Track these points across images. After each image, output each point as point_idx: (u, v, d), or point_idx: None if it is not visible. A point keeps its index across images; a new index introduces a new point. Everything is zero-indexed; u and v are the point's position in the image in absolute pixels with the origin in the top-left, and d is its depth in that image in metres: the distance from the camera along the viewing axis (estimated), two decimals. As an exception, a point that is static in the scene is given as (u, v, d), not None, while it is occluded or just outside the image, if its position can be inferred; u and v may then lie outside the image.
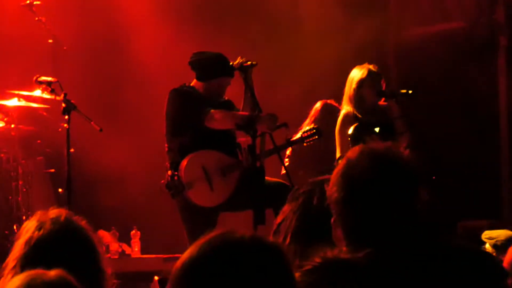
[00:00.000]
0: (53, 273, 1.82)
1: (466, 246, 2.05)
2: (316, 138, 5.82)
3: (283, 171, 6.49)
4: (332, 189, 2.04)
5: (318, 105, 6.62)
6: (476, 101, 7.64)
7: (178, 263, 1.60)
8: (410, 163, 2.04)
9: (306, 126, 6.12)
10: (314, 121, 6.44)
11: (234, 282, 1.53)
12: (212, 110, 5.43)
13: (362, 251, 1.93)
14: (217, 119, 5.42)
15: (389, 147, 2.06)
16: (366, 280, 1.86)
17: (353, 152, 2.05)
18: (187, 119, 5.48)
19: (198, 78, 5.61)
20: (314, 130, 5.81)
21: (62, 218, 2.28)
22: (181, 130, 5.51)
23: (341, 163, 2.05)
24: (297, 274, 1.79)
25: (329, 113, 6.39)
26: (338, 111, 6.08)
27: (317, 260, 1.87)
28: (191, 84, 5.65)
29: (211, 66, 5.55)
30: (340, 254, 1.92)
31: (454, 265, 1.98)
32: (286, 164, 6.52)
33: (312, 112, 6.58)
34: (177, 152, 5.51)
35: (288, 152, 6.61)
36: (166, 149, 5.60)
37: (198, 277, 1.55)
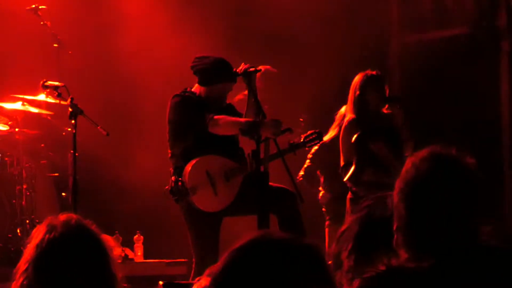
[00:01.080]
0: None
1: None
2: (317, 142, 5.85)
3: (300, 177, 6.61)
4: (395, 195, 2.02)
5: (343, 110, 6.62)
6: (478, 106, 7.64)
7: (220, 264, 1.66)
8: (474, 169, 2.01)
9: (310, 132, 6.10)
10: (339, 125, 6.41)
11: (275, 282, 1.60)
12: (215, 116, 5.43)
13: (424, 259, 1.91)
14: (221, 125, 5.43)
15: (453, 153, 2.03)
16: None
17: (417, 157, 2.02)
18: (190, 125, 5.48)
19: (200, 83, 5.60)
20: (316, 135, 5.83)
21: (73, 221, 2.28)
22: (184, 135, 5.52)
23: (405, 168, 2.02)
24: (357, 281, 1.82)
25: None
26: None
27: (381, 267, 1.88)
28: (193, 89, 5.65)
29: (213, 71, 5.54)
30: (405, 263, 1.91)
31: None
32: (307, 165, 6.62)
33: (337, 116, 6.52)
34: (180, 157, 5.52)
35: (310, 154, 6.63)
36: (169, 154, 5.60)
37: (243, 278, 1.62)
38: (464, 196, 1.97)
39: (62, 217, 2.31)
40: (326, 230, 6.54)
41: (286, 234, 1.66)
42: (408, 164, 2.04)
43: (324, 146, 6.26)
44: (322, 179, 6.66)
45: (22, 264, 2.23)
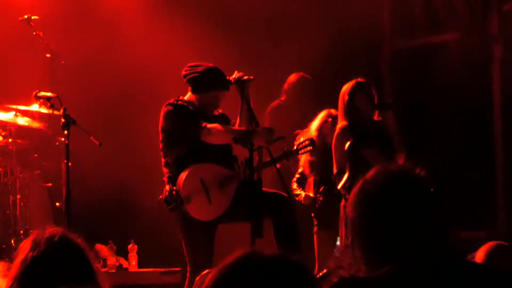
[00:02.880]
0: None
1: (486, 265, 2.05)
2: (311, 149, 5.94)
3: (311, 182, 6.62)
4: (349, 208, 2.07)
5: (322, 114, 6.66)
6: (471, 112, 7.64)
7: (209, 282, 1.69)
8: (426, 180, 2.04)
9: (301, 138, 6.19)
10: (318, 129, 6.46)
11: None
12: (208, 125, 5.44)
13: (377, 268, 1.94)
14: (213, 134, 5.44)
15: (404, 166, 2.09)
16: None
17: (370, 171, 2.07)
18: (183, 133, 5.49)
19: (193, 91, 5.62)
20: (309, 141, 5.91)
21: (57, 237, 2.32)
22: (177, 144, 5.52)
23: (359, 182, 2.07)
24: None
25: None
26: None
27: (334, 279, 1.96)
28: (186, 97, 5.65)
29: (206, 80, 5.54)
30: (358, 274, 1.95)
31: (478, 283, 1.98)
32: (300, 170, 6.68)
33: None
34: (174, 166, 5.51)
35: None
36: (163, 163, 5.60)
37: None
38: (416, 203, 2.01)
39: (48, 231, 2.36)
40: (315, 236, 6.53)
41: (274, 253, 1.67)
42: (362, 178, 2.09)
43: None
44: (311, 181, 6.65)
45: (9, 280, 2.28)
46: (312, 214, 6.60)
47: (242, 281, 1.62)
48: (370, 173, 2.06)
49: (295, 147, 5.94)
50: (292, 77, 7.34)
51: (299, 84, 7.25)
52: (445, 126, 7.70)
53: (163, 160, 5.61)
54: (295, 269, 1.65)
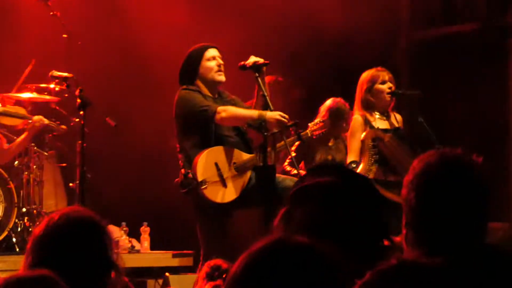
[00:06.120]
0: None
1: None
2: (324, 131, 5.91)
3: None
4: (406, 192, 2.02)
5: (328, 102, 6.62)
6: (486, 104, 7.59)
7: (234, 268, 1.65)
8: (480, 170, 2.04)
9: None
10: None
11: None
12: (220, 108, 5.45)
13: (435, 255, 1.92)
14: (228, 117, 5.46)
15: (465, 154, 2.06)
16: (444, 285, 1.87)
17: (430, 156, 2.04)
18: (198, 118, 5.48)
19: (191, 82, 5.63)
20: (322, 123, 5.90)
21: (74, 213, 2.33)
22: (192, 129, 5.52)
23: (417, 166, 2.03)
24: (368, 275, 1.82)
25: (336, 116, 6.52)
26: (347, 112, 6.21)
27: (393, 261, 1.87)
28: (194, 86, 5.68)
29: (189, 62, 5.59)
30: (418, 258, 1.92)
31: None
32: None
33: (322, 108, 6.59)
34: (189, 150, 5.51)
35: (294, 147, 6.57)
36: (178, 148, 5.60)
37: (254, 282, 1.61)
38: (473, 194, 2.00)
39: (62, 210, 2.38)
40: None
41: (302, 240, 1.64)
42: (417, 161, 2.06)
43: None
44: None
45: (28, 247, 2.31)
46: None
47: (269, 271, 1.58)
48: (431, 158, 2.03)
49: (308, 128, 5.88)
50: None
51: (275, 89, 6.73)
52: (460, 117, 7.66)
53: (177, 145, 5.61)
54: (323, 257, 1.62)
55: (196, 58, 5.62)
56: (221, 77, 5.63)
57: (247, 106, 5.73)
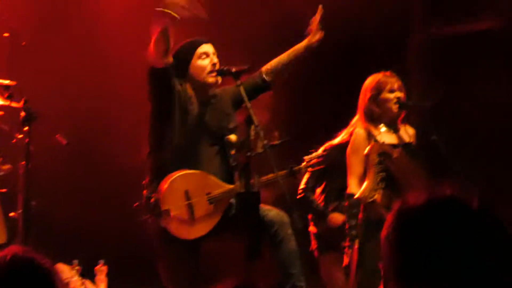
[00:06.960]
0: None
1: None
2: (321, 168, 5.56)
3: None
4: (386, 228, 2.06)
5: None
6: (506, 105, 7.45)
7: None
8: (480, 214, 1.93)
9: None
10: None
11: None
12: None
13: None
14: None
15: (455, 195, 1.98)
16: None
17: (413, 195, 2.03)
18: (169, 132, 5.19)
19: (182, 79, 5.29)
20: (322, 158, 5.50)
21: (8, 257, 2.23)
22: (164, 144, 5.20)
23: (400, 204, 2.03)
24: None
25: None
26: None
27: None
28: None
29: (178, 60, 5.17)
30: None
31: None
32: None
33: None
34: (157, 169, 5.18)
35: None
36: (146, 161, 5.29)
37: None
38: (464, 241, 1.92)
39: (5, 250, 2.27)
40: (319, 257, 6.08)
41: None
42: (403, 200, 2.04)
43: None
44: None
45: None
46: (312, 235, 6.07)
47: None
48: (413, 197, 2.01)
49: (304, 163, 5.46)
50: None
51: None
52: (480, 124, 7.53)
53: (145, 158, 5.25)
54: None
55: (186, 55, 5.29)
56: (213, 79, 5.28)
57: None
